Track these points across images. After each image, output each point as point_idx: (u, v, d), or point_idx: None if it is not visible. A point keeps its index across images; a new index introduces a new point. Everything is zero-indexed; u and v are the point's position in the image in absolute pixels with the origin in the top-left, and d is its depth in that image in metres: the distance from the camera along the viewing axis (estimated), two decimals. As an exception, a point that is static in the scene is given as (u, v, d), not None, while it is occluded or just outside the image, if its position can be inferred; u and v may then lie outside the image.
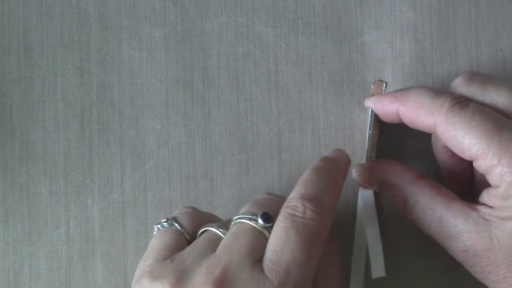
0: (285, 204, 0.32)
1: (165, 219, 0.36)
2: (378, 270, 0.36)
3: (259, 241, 0.31)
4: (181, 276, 0.30)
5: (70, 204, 0.43)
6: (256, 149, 0.43)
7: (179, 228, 0.35)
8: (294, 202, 0.32)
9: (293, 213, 0.31)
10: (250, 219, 0.32)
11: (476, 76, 0.36)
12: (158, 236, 0.35)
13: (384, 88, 0.40)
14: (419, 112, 0.35)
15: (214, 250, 0.31)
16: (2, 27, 0.44)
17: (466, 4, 0.44)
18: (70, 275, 0.43)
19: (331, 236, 0.34)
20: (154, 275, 0.30)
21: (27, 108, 0.44)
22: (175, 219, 0.35)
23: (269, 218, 0.32)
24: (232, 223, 0.33)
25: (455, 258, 0.35)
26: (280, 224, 0.31)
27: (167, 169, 0.43)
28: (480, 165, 0.33)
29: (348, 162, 0.37)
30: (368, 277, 0.37)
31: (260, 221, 0.32)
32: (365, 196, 0.38)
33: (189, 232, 0.35)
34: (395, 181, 0.37)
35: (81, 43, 0.44)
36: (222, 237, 0.33)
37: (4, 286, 0.43)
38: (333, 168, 0.35)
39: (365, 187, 0.39)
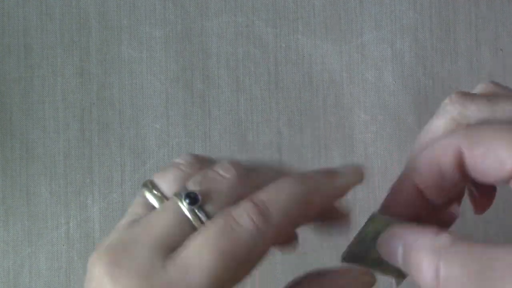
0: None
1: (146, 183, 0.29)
2: None
3: (179, 226, 0.26)
4: (97, 248, 0.27)
5: (70, 204, 0.43)
6: (256, 149, 0.43)
7: (150, 196, 0.28)
8: (242, 203, 0.26)
9: (230, 212, 0.26)
10: (179, 197, 0.26)
11: (468, 93, 0.30)
12: (131, 206, 0.29)
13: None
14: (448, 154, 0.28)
15: (141, 217, 0.27)
16: (2, 27, 0.44)
17: (466, 4, 0.44)
18: (70, 275, 0.43)
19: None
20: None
21: (27, 108, 0.44)
22: (152, 184, 0.28)
23: (196, 199, 0.26)
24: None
25: None
26: (212, 221, 0.26)
27: (167, 169, 0.43)
28: None
29: (347, 186, 0.29)
30: None
31: (185, 200, 0.26)
32: None
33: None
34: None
35: (81, 43, 0.44)
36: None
37: (4, 286, 0.43)
38: (318, 186, 0.28)
39: None
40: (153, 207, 0.28)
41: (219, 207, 0.26)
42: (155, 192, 0.28)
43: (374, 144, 0.44)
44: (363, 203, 0.43)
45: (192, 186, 0.27)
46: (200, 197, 0.26)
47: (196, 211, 0.26)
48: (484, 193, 0.32)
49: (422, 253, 0.26)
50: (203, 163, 0.29)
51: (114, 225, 0.43)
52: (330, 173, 0.29)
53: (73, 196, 0.43)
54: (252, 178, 0.28)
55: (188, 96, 0.44)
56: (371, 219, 0.29)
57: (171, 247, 0.26)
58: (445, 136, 0.29)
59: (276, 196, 0.27)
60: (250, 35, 0.44)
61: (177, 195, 0.26)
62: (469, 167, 0.28)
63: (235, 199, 0.27)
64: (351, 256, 0.29)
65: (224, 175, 0.27)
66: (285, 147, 0.43)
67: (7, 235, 0.43)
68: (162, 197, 0.28)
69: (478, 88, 0.31)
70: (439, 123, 0.30)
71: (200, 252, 0.25)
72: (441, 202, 0.30)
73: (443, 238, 0.26)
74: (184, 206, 0.26)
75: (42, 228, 0.43)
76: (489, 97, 0.30)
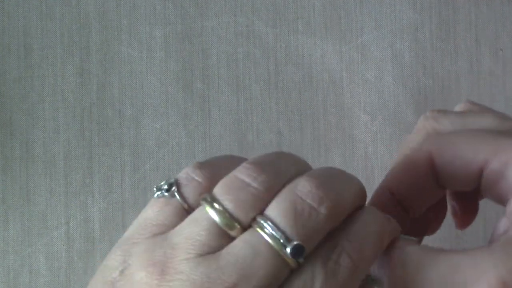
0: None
1: (167, 185, 0.26)
2: None
3: (279, 274, 0.23)
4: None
5: (70, 204, 0.43)
6: (256, 149, 0.43)
7: (180, 202, 0.26)
8: (336, 242, 0.25)
9: (327, 253, 0.24)
10: (276, 241, 0.23)
11: (442, 110, 0.31)
12: (155, 206, 0.26)
13: None
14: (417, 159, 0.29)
15: (214, 248, 0.24)
16: (2, 27, 0.44)
17: (466, 4, 0.44)
18: (70, 275, 0.43)
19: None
20: (148, 258, 0.24)
21: (27, 108, 0.44)
22: (178, 187, 0.26)
23: (301, 252, 0.23)
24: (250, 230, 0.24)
25: None
26: (310, 262, 0.24)
27: (167, 169, 0.43)
28: (494, 166, 0.28)
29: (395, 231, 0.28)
30: None
31: (288, 250, 0.23)
32: None
33: (194, 208, 0.26)
34: None
35: (81, 43, 0.44)
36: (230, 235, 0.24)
37: (4, 286, 0.43)
38: (388, 226, 0.27)
39: None
40: (206, 222, 0.24)
41: (313, 247, 0.24)
42: (217, 206, 0.24)
43: (374, 144, 0.44)
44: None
45: (278, 217, 0.24)
46: (305, 248, 0.24)
47: (298, 259, 0.24)
48: (466, 209, 0.33)
49: (390, 259, 0.26)
50: (274, 171, 0.25)
51: (114, 225, 0.43)
52: (389, 219, 0.28)
53: (73, 196, 0.43)
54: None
55: (188, 96, 0.44)
56: None
57: None
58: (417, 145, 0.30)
59: (366, 232, 0.26)
60: (250, 35, 0.44)
61: (262, 228, 0.24)
62: (439, 172, 0.29)
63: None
64: None
65: (317, 208, 0.24)
66: (285, 147, 0.43)
67: (7, 235, 0.43)
68: (229, 216, 0.24)
69: (457, 108, 0.33)
70: (415, 138, 0.31)
71: None
72: (418, 211, 0.31)
73: (412, 245, 0.26)
74: (286, 253, 0.23)
75: (42, 228, 0.43)
76: (461, 112, 0.31)
